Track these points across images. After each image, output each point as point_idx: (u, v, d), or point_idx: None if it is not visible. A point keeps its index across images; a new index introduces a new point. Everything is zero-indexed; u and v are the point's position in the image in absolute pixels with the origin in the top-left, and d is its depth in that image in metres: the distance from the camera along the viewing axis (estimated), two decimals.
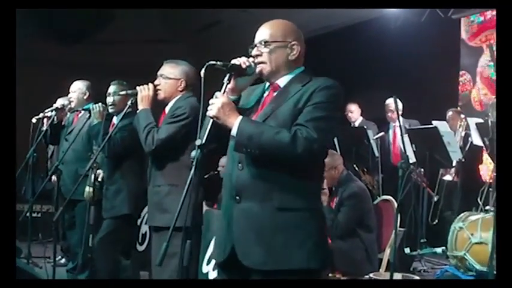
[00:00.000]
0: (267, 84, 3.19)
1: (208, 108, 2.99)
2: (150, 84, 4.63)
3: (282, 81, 3.13)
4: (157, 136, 4.45)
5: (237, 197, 3.02)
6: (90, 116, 5.69)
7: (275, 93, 3.12)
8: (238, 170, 3.04)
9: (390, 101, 8.69)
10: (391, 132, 8.93)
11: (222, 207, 3.20)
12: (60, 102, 6.70)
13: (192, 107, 4.46)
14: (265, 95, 3.18)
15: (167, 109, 4.61)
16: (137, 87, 4.63)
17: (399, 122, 5.83)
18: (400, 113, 8.42)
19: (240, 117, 2.97)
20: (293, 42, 3.13)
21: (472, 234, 4.41)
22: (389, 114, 8.80)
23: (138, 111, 4.62)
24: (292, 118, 2.96)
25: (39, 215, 9.02)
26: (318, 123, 2.92)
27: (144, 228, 7.18)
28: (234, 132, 2.94)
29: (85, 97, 6.35)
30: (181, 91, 4.60)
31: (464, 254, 4.39)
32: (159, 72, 4.63)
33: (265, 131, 2.91)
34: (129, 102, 4.70)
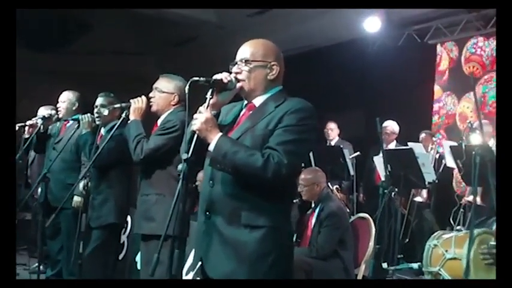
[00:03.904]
0: (245, 102, 3.30)
1: (192, 122, 3.09)
2: (144, 97, 4.79)
3: (258, 101, 3.23)
4: (146, 146, 4.59)
5: (207, 212, 3.15)
6: (78, 126, 5.81)
7: (250, 112, 3.22)
8: (209, 186, 3.16)
9: (387, 124, 8.87)
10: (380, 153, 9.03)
11: (197, 221, 3.32)
12: (45, 111, 6.81)
13: (182, 121, 4.54)
14: (241, 113, 3.27)
15: (159, 122, 4.76)
16: (131, 100, 4.78)
17: (381, 143, 6.01)
18: (395, 136, 8.69)
19: (220, 134, 3.06)
20: (273, 63, 3.22)
21: (446, 250, 4.60)
22: (385, 136, 8.91)
23: (129, 122, 4.77)
24: (263, 138, 3.06)
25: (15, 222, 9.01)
26: (288, 146, 3.02)
27: (122, 238, 7.30)
28: (211, 147, 3.05)
29: (74, 108, 6.44)
30: (174, 105, 4.75)
31: (439, 269, 4.59)
32: (154, 85, 4.78)
33: (239, 151, 3.00)
34: (123, 115, 4.84)
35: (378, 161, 7.53)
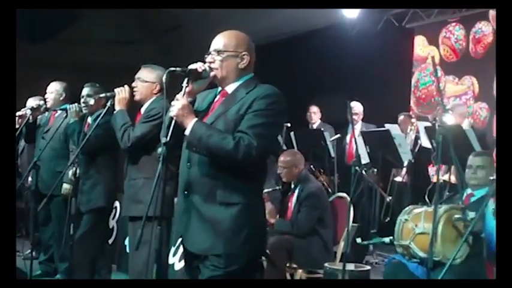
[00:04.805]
0: (219, 89, 3.55)
1: (170, 108, 3.36)
2: (127, 87, 5.04)
3: (230, 88, 3.47)
4: (132, 134, 4.87)
5: (186, 192, 3.43)
6: (67, 116, 6.04)
7: (223, 99, 3.46)
8: (187, 168, 3.42)
9: (352, 104, 9.04)
10: (349, 134, 9.34)
11: (177, 200, 3.61)
12: (34, 102, 7.02)
13: (164, 108, 4.83)
14: (215, 99, 3.51)
15: (142, 110, 5.02)
16: (115, 90, 5.04)
17: (352, 125, 6.29)
18: (360, 116, 8.95)
19: (195, 119, 3.32)
20: (243, 53, 3.46)
21: (416, 225, 4.83)
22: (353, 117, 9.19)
23: (115, 112, 5.03)
24: (235, 123, 3.31)
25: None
26: (257, 130, 3.27)
27: (111, 223, 7.55)
28: (187, 132, 3.31)
29: (61, 98, 6.68)
30: (155, 94, 5.01)
31: (409, 243, 4.81)
32: (136, 76, 5.03)
33: (213, 135, 3.26)
34: (108, 103, 5.09)
35: (359, 141, 7.73)
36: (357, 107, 9.17)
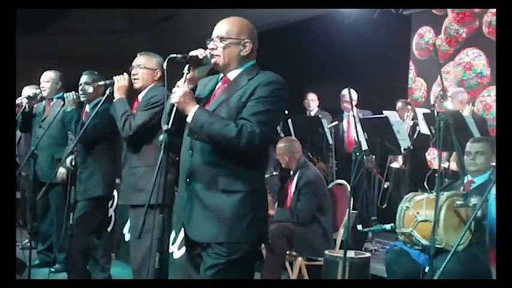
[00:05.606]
0: (220, 75, 3.52)
1: (171, 95, 3.32)
2: (126, 75, 4.99)
3: (232, 75, 3.43)
4: (134, 123, 4.82)
5: (188, 180, 3.40)
6: (64, 104, 5.99)
7: (225, 86, 3.43)
8: (189, 155, 3.39)
9: (345, 92, 9.11)
10: (345, 121, 9.34)
11: (179, 188, 3.57)
12: (29, 90, 6.98)
13: (164, 95, 4.80)
14: (217, 86, 3.48)
15: (140, 97, 4.98)
16: (114, 78, 4.99)
17: (353, 111, 6.26)
18: (354, 103, 8.91)
19: (197, 106, 3.28)
20: (246, 40, 3.42)
21: (418, 212, 4.81)
22: (344, 104, 9.23)
23: (114, 100, 4.98)
24: (237, 110, 3.28)
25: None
26: (260, 117, 3.24)
27: (110, 212, 7.53)
28: (189, 119, 3.28)
29: (58, 86, 6.69)
30: (156, 80, 4.97)
31: (411, 230, 4.79)
32: (135, 63, 4.98)
33: (215, 122, 3.23)
34: (107, 91, 5.05)
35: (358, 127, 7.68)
36: (347, 94, 9.10)
